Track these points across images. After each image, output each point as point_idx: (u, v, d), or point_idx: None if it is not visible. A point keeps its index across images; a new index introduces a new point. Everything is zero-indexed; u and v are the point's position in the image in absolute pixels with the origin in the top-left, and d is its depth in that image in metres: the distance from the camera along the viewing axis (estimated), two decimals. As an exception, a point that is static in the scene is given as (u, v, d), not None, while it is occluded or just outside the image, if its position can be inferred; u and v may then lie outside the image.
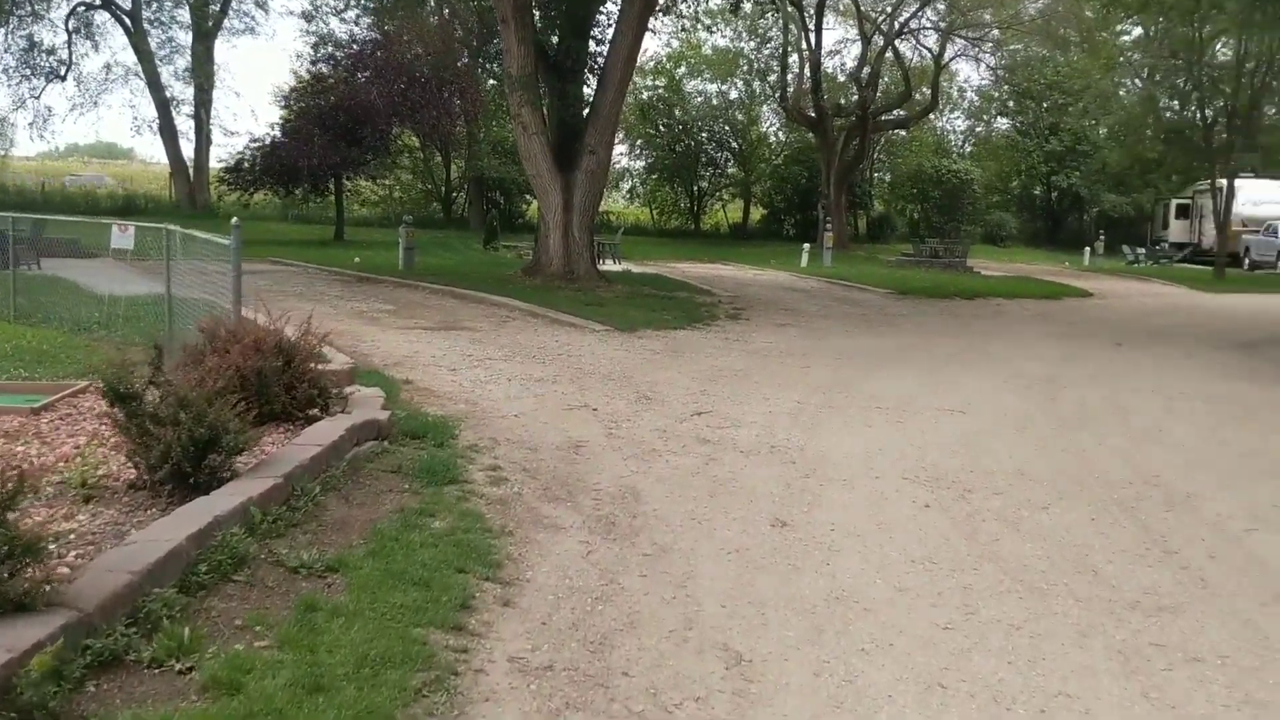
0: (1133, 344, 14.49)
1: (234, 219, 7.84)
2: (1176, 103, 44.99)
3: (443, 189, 43.91)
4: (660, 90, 43.73)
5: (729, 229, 46.92)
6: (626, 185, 48.09)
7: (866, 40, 37.00)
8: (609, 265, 24.58)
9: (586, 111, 19.68)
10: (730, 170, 47.03)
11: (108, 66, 40.22)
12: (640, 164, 46.22)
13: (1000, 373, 11.29)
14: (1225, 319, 19.24)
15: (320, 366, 7.44)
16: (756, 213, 47.55)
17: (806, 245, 30.94)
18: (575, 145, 19.36)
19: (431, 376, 9.44)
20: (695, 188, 46.35)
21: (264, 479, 5.04)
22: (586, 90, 20.53)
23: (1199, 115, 37.85)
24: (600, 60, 19.91)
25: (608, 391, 9.23)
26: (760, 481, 6.50)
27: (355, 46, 32.46)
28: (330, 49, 34.57)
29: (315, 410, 6.92)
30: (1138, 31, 53.00)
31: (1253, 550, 5.51)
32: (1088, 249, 39.84)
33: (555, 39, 19.97)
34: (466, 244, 31.04)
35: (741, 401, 9.07)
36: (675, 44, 44.39)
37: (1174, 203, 47.06)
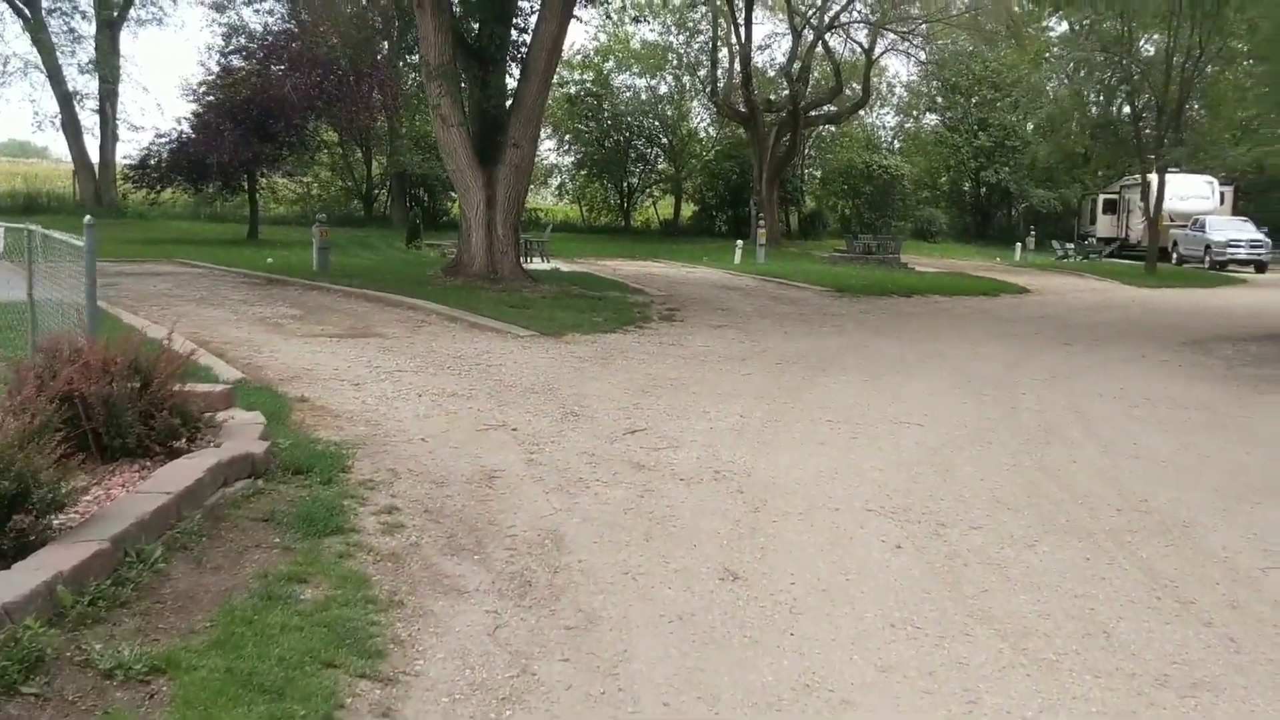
0: (1080, 343, 13.88)
1: (87, 218, 6.70)
2: (1103, 98, 45.23)
3: (364, 186, 42.47)
4: (588, 84, 42.75)
5: (660, 225, 46.10)
6: (555, 181, 47.05)
7: (797, 34, 36.37)
8: (536, 264, 23.57)
9: (509, 103, 18.64)
10: (661, 166, 46.21)
11: (4, 59, 38.04)
12: (569, 160, 45.24)
13: (951, 377, 10.54)
14: (1166, 315, 18.83)
15: (191, 387, 6.37)
16: (688, 209, 46.80)
17: (740, 242, 30.21)
18: (498, 138, 18.32)
19: (331, 393, 8.38)
20: (625, 184, 45.47)
21: (86, 543, 4.00)
22: (509, 81, 19.51)
23: (1128, 110, 38.01)
24: (523, 49, 18.86)
25: (530, 407, 8.25)
26: (704, 518, 5.60)
27: (269, 38, 31.01)
28: (243, 40, 33.11)
29: (181, 442, 5.87)
30: (1064, 27, 53.36)
31: (1278, 597, 4.73)
32: (1019, 244, 39.66)
33: (476, 25, 18.88)
34: (388, 243, 29.80)
35: (679, 416, 8.16)
36: (603, 37, 43.48)
37: (1101, 198, 47.27)
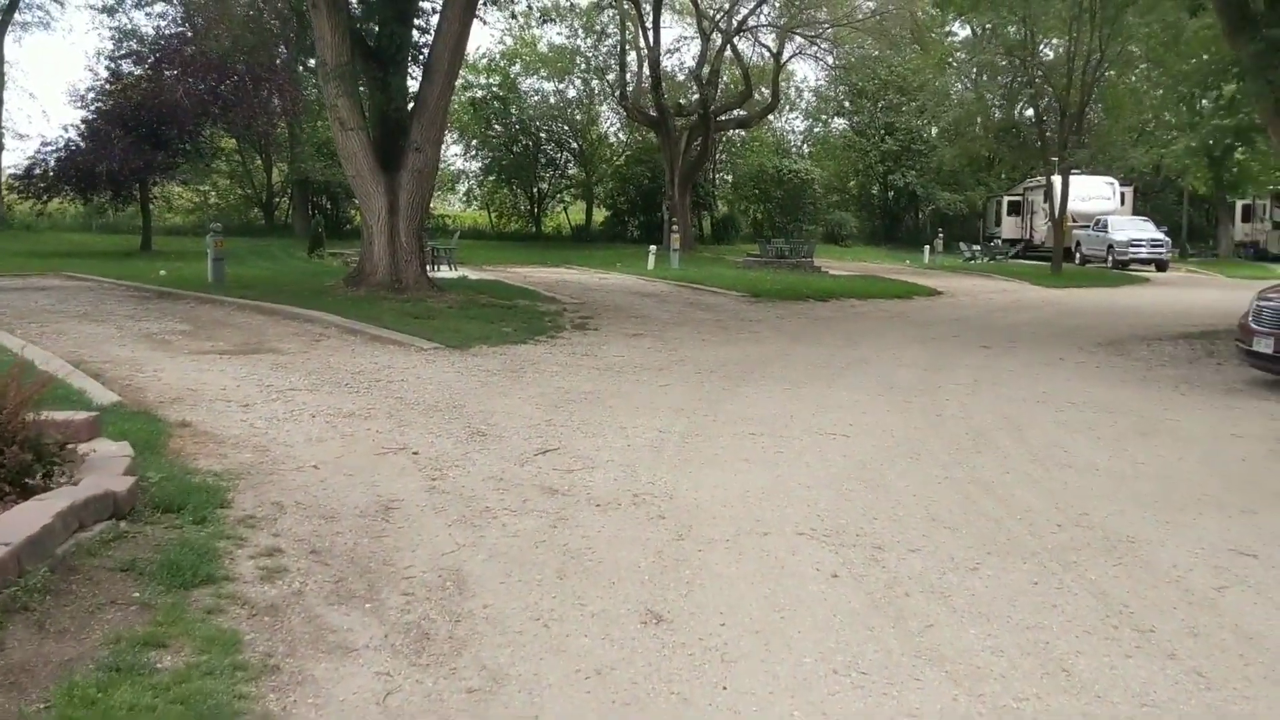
0: (998, 346, 13.75)
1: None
2: (1006, 101, 45.93)
3: (264, 194, 41.22)
4: (495, 88, 42.09)
5: (571, 231, 45.66)
6: (463, 187, 46.29)
7: (706, 38, 36.23)
8: (444, 272, 22.92)
9: (411, 106, 17.97)
10: (571, 171, 45.77)
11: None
12: (476, 165, 44.51)
13: (873, 384, 10.24)
14: (1079, 316, 18.91)
15: (50, 415, 5.70)
16: (599, 214, 46.43)
17: (653, 247, 29.91)
18: (400, 142, 17.65)
19: (216, 415, 7.72)
20: (535, 189, 44.94)
21: (-108, 613, 3.38)
22: (411, 83, 18.82)
23: (1032, 113, 38.61)
24: (425, 50, 18.21)
25: (433, 427, 7.69)
26: (624, 549, 5.12)
27: (161, 42, 29.81)
28: (134, 44, 31.85)
29: (37, 479, 5.20)
30: (966, 32, 54.19)
31: (1237, 621, 4.42)
32: (927, 247, 40.06)
33: (375, 26, 18.16)
34: (290, 253, 28.82)
35: (594, 433, 7.68)
36: (509, 41, 42.91)
37: (1005, 200, 48.05)
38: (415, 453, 6.89)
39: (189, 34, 30.56)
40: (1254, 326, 10.24)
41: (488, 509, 5.70)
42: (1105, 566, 5.06)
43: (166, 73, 27.26)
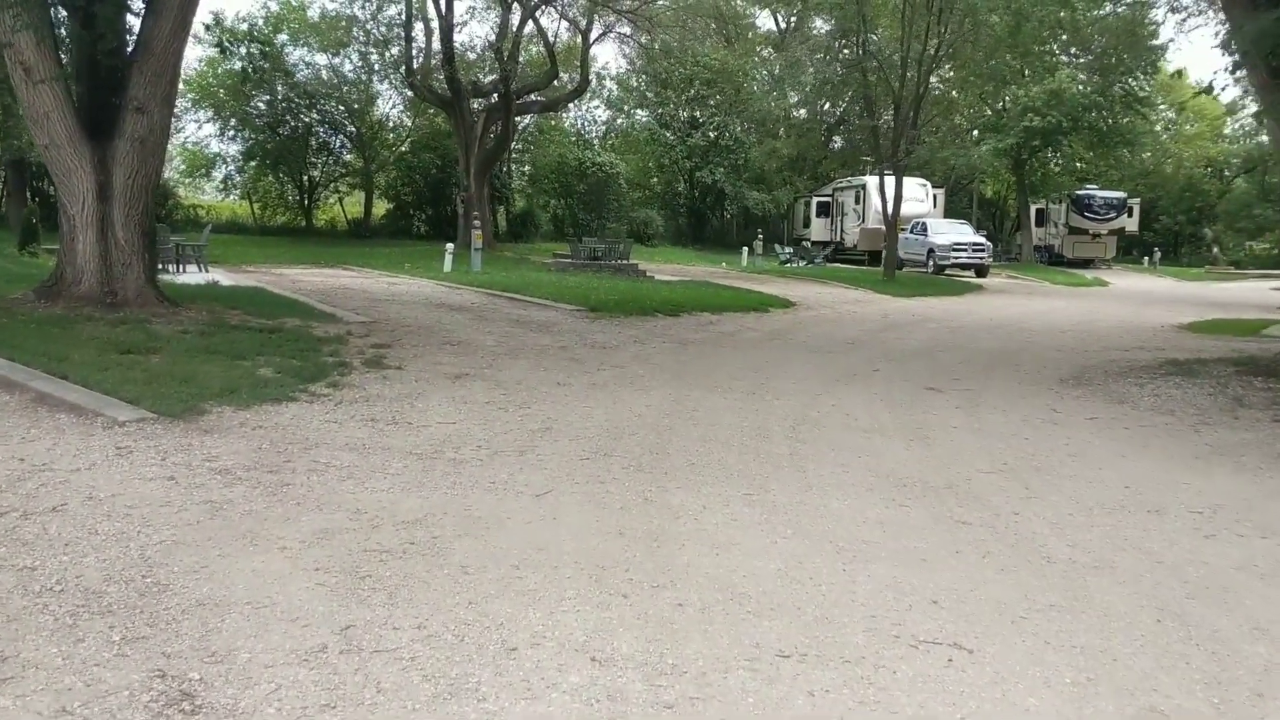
0: (945, 387, 10.32)
1: None
2: (827, 101, 43.73)
3: (-33, 175, 34.04)
4: (258, 58, 36.19)
5: (348, 226, 40.31)
6: (220, 173, 40.01)
7: (506, 6, 31.91)
8: (190, 276, 17.88)
9: (131, 50, 12.99)
10: (348, 157, 40.38)
11: None
12: (236, 148, 38.42)
13: (862, 473, 6.51)
14: (979, 336, 15.90)
15: None
16: (380, 207, 41.25)
17: (450, 246, 25.42)
18: (114, 99, 12.68)
19: None
20: (306, 177, 39.30)
21: None
22: (131, 22, 13.74)
23: (858, 110, 36.32)
24: (151, -26, 13.25)
25: (72, 682, 3.32)
26: None
27: None
28: None
29: None
30: (770, 25, 52.07)
31: None
32: (745, 249, 37.17)
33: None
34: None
35: (449, 660, 3.52)
36: (274, 6, 37.22)
37: (814, 200, 45.93)
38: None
39: None
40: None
41: None
42: None
43: None
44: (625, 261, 26.86)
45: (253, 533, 4.83)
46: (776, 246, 40.52)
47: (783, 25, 50.25)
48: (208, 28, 18.68)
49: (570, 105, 41.29)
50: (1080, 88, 41.63)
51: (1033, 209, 49.80)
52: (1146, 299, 28.36)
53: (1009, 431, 8.07)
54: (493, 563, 4.56)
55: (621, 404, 8.59)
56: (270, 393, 8.01)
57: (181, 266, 20.39)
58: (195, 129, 38.22)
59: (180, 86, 37.14)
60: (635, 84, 47.97)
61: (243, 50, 19.48)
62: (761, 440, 7.36)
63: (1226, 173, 59.25)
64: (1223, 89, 19.40)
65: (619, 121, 48.88)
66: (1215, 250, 57.39)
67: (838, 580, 4.52)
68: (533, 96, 36.09)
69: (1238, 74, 13.05)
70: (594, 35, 35.46)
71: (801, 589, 4.40)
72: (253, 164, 38.23)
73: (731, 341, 13.74)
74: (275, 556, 4.52)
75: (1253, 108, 52.11)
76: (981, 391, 10.07)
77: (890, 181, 29.79)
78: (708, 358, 11.91)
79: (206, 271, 20.08)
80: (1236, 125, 57.80)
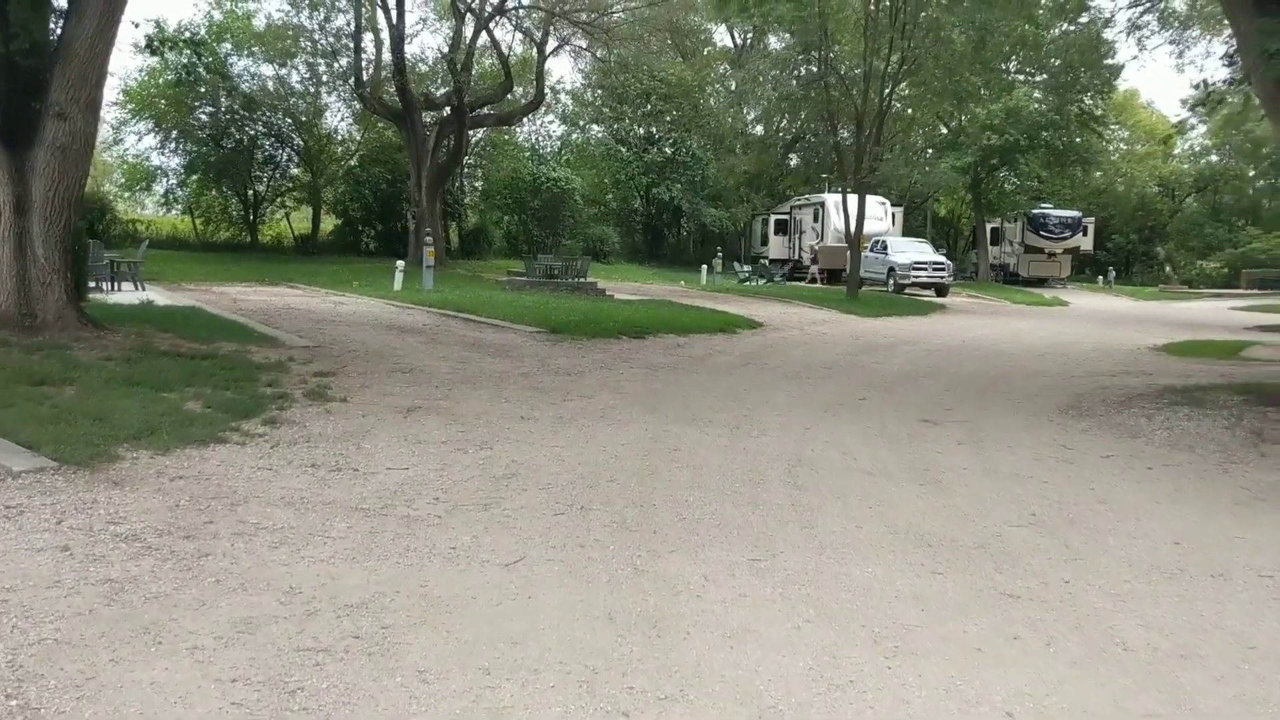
0: (938, 417, 9.57)
1: None
2: (786, 119, 43.29)
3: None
4: (200, 70, 34.88)
5: (295, 242, 39.00)
6: (161, 187, 38.49)
7: (460, 17, 30.99)
8: (124, 295, 16.79)
9: (54, 50, 11.92)
10: (294, 171, 39.11)
11: None
12: (178, 161, 36.98)
13: (822, 509, 5.73)
14: (957, 360, 15.23)
15: None
16: (329, 222, 39.98)
17: (400, 263, 24.42)
18: (34, 105, 11.61)
19: None
20: (251, 192, 37.98)
21: None
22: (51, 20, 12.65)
23: (819, 131, 35.77)
24: (73, -32, 12.20)
25: None
26: None
27: None
28: None
29: None
30: (726, 41, 51.63)
31: None
32: (705, 267, 36.45)
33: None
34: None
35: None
36: (218, 15, 35.99)
37: (772, 218, 45.38)
38: None
39: None
40: None
41: None
42: None
43: None
44: (583, 279, 26.01)
45: (158, 625, 3.89)
46: (736, 264, 39.87)
47: (739, 42, 49.82)
48: (136, 25, 17.47)
49: (525, 119, 40.32)
50: (1037, 105, 41.56)
51: (988, 227, 49.71)
52: (1110, 319, 28.02)
53: (1024, 473, 7.30)
54: (457, 665, 3.67)
55: (594, 442, 7.72)
56: (196, 433, 7.03)
57: (116, 285, 19.23)
58: (135, 141, 36.74)
59: (120, 97, 36.01)
60: (591, 98, 47.21)
61: (178, 54, 18.33)
62: (757, 486, 6.52)
63: (1177, 192, 59.69)
64: (1216, 104, 19.16)
65: (574, 136, 48.00)
66: (1168, 269, 57.73)
67: (884, 684, 3.67)
68: (486, 110, 35.19)
69: (1238, 85, 12.48)
70: (549, 48, 34.63)
71: (843, 697, 3.55)
72: (195, 178, 36.81)
73: (703, 366, 12.92)
74: (183, 661, 3.59)
75: (1202, 128, 52.57)
76: (980, 424, 9.32)
77: (853, 199, 29.22)
78: (681, 385, 11.07)
79: (142, 290, 18.92)
80: (1186, 145, 58.35)
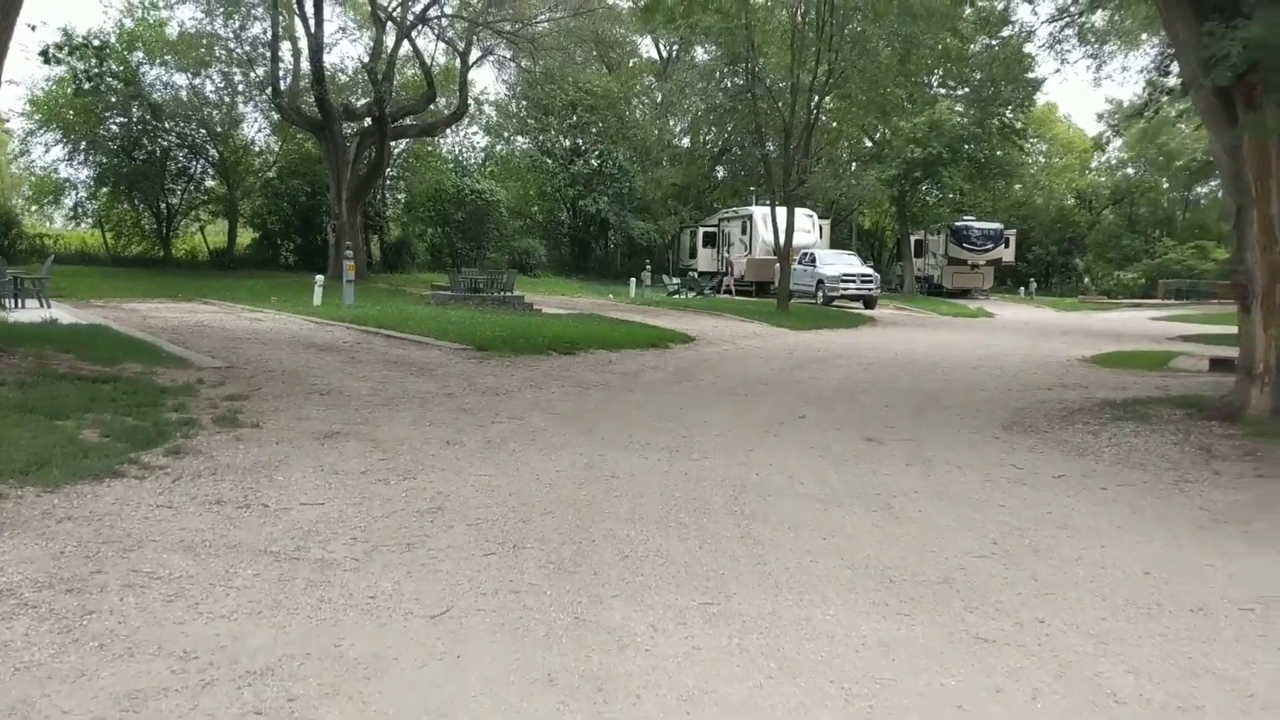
0: (882, 436, 9.28)
1: None
2: (714, 130, 43.14)
3: None
4: (110, 79, 33.62)
5: (210, 256, 37.83)
6: (70, 200, 37.05)
7: (381, 24, 30.28)
8: (27, 312, 15.92)
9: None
10: (210, 184, 37.94)
11: None
12: (87, 173, 35.63)
13: (774, 542, 5.37)
14: (891, 374, 15.03)
15: None
16: (245, 236, 38.86)
17: (320, 277, 23.66)
18: (-82, 109, 10.81)
19: None
20: (164, 204, 36.73)
21: None
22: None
23: (745, 143, 35.63)
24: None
25: None
26: None
27: None
28: None
29: None
30: (651, 54, 51.43)
31: None
32: (633, 280, 36.09)
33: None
34: None
35: None
36: (129, 23, 34.78)
37: (700, 230, 45.22)
38: None
39: None
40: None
41: None
42: None
43: None
44: (509, 293, 25.46)
45: (26, 704, 3.34)
46: (664, 277, 39.58)
47: (665, 54, 49.66)
48: (34, 28, 16.63)
49: (448, 130, 39.64)
50: (960, 119, 42.00)
51: (912, 240, 50.16)
52: (1036, 330, 28.25)
53: (977, 496, 7.00)
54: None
55: (526, 469, 7.24)
56: (90, 466, 6.42)
57: (20, 302, 18.27)
58: (43, 152, 35.33)
59: (27, 107, 34.61)
60: (515, 109, 46.67)
61: (84, 61, 17.60)
62: (702, 517, 6.11)
63: (1094, 204, 60.93)
64: (1156, 111, 19.40)
65: (499, 148, 47.38)
66: (1087, 280, 58.84)
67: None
68: (408, 120, 34.50)
69: (1170, 96, 12.43)
70: (473, 58, 34.06)
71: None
72: (105, 190, 35.49)
73: (637, 384, 12.50)
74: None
75: (1118, 141, 53.64)
76: (925, 442, 9.03)
77: (782, 211, 29.10)
78: (615, 404, 10.63)
79: (47, 307, 17.98)
80: (1103, 159, 59.60)
